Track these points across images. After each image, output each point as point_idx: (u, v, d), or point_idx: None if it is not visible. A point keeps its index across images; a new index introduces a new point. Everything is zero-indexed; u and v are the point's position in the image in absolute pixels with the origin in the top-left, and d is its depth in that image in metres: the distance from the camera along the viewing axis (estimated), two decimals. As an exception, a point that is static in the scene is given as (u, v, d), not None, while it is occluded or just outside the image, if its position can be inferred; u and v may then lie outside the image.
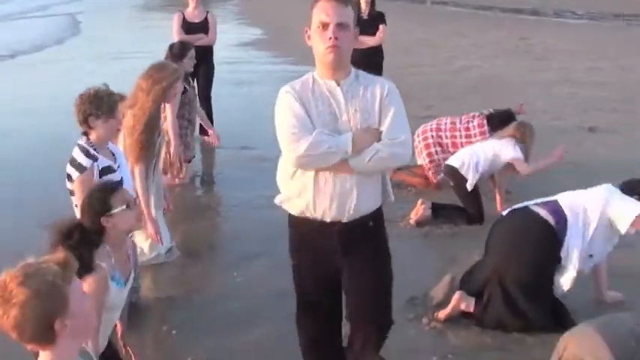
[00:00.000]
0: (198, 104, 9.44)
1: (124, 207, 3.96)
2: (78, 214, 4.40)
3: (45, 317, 2.44)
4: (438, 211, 7.82)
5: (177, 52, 8.70)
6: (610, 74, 17.74)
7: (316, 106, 3.82)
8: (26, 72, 18.94)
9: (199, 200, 8.95)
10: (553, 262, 5.43)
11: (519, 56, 20.93)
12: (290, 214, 4.05)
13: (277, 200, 4.03)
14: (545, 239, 5.41)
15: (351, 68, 3.92)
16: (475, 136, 8.40)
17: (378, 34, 10.54)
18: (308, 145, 3.68)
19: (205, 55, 10.58)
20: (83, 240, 3.72)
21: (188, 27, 10.64)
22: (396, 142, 3.79)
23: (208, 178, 9.76)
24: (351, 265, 3.99)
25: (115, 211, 3.92)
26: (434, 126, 8.87)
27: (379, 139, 3.80)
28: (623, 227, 5.44)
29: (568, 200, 5.54)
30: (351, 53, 3.89)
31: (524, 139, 7.70)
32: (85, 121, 5.12)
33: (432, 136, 8.73)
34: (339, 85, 3.85)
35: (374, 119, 3.83)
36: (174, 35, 10.45)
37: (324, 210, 3.85)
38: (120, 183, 4.75)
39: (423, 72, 17.53)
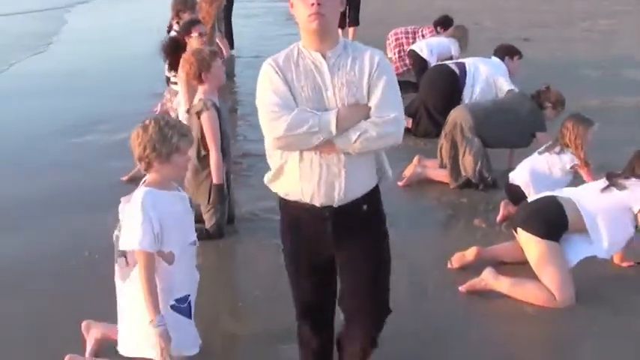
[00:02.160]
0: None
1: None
2: None
3: (199, 68, 5.86)
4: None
5: None
6: (558, 5, 21.03)
7: (299, 80, 3.38)
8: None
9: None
10: (456, 94, 8.59)
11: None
12: (279, 197, 3.60)
13: (265, 179, 3.59)
14: (452, 81, 8.79)
15: (340, 38, 3.50)
16: (426, 36, 11.39)
17: None
18: (287, 124, 3.28)
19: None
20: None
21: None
22: (385, 120, 3.33)
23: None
24: (346, 251, 3.56)
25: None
26: (401, 29, 11.78)
27: (368, 117, 3.36)
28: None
29: (470, 60, 8.96)
30: (337, 21, 3.51)
31: (461, 39, 10.82)
32: None
33: (400, 37, 11.47)
34: (324, 57, 3.40)
35: (362, 94, 3.38)
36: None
37: (312, 194, 3.42)
38: None
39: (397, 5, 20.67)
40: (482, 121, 7.06)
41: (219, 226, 5.92)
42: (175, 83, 7.42)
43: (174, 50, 7.03)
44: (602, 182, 5.19)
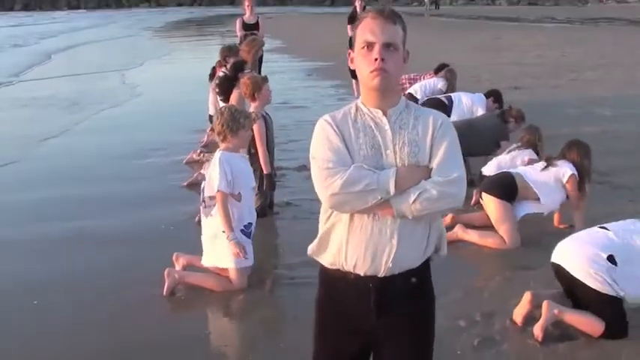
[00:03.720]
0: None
1: None
2: None
3: (253, 89, 7.84)
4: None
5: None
6: (550, 59, 23.46)
7: (357, 137, 3.19)
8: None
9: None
10: None
11: (486, 50, 26.77)
12: (321, 266, 3.34)
13: (309, 250, 3.35)
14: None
15: (401, 96, 3.33)
16: (424, 77, 13.17)
17: None
18: (343, 181, 3.08)
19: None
20: None
21: (246, 27, 15.90)
22: (447, 181, 3.11)
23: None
24: (389, 328, 3.23)
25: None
26: (405, 76, 13.59)
27: (428, 178, 3.13)
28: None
29: (455, 94, 10.92)
30: (399, 78, 3.42)
31: (450, 79, 12.70)
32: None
33: (404, 81, 13.21)
34: (385, 114, 3.21)
35: (424, 154, 3.17)
36: (237, 33, 15.79)
37: (357, 260, 3.15)
38: None
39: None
40: (461, 135, 9.02)
41: (263, 208, 7.85)
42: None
43: (229, 86, 9.12)
44: (542, 163, 7.23)
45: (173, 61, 27.87)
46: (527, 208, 7.19)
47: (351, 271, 3.17)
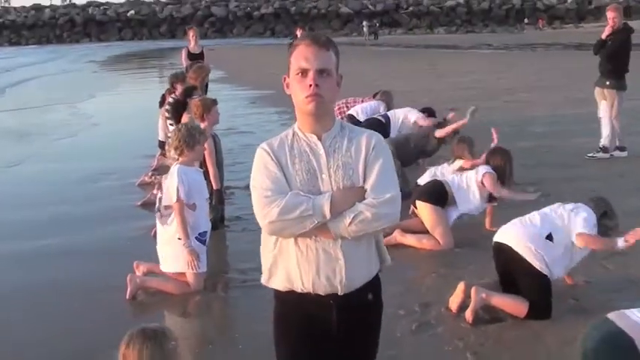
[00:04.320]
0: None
1: None
2: None
3: (203, 110, 8.27)
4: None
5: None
6: (486, 83, 24.41)
7: (293, 163, 3.27)
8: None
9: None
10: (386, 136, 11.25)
11: (422, 76, 27.70)
12: (276, 292, 3.40)
13: (263, 280, 3.42)
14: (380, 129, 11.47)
15: (335, 120, 3.39)
16: (363, 101, 13.82)
17: None
18: (280, 209, 3.15)
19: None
20: None
21: (191, 56, 16.37)
22: (381, 201, 3.19)
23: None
24: (347, 344, 3.39)
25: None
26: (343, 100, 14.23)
27: (363, 200, 3.22)
28: None
29: (391, 111, 11.63)
30: (334, 103, 3.43)
31: (387, 100, 13.31)
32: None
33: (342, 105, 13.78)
34: (320, 139, 3.29)
35: (358, 176, 3.26)
36: (183, 62, 16.23)
37: (314, 281, 3.24)
38: None
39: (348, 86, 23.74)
40: (399, 148, 9.64)
41: (215, 222, 8.29)
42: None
43: (180, 110, 9.58)
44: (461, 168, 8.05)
45: (121, 92, 28.50)
46: (453, 214, 7.81)
47: (310, 291, 3.27)
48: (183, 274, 6.53)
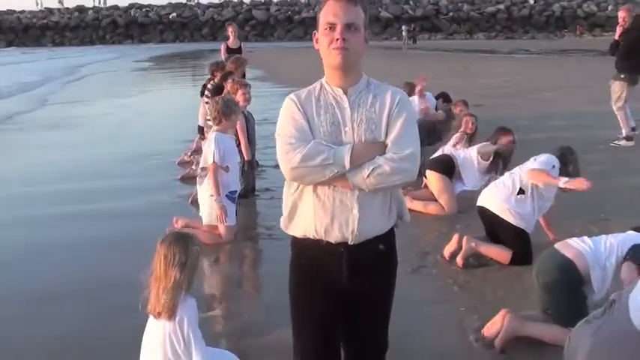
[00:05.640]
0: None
1: None
2: None
3: (236, 90, 9.31)
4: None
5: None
6: (516, 84, 25.24)
7: (319, 114, 3.36)
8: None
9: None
10: None
11: (455, 76, 28.52)
12: (293, 238, 3.53)
13: (282, 224, 3.54)
14: None
15: (363, 75, 3.43)
16: None
17: None
18: (302, 155, 3.25)
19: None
20: None
21: (230, 51, 17.34)
22: (400, 156, 3.25)
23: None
24: (359, 290, 3.46)
25: None
26: None
27: (383, 154, 3.28)
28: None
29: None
30: (361, 58, 3.40)
31: (408, 91, 14.25)
32: None
33: None
34: (346, 93, 3.36)
35: (380, 131, 3.33)
36: (222, 56, 17.19)
37: (326, 229, 3.35)
38: None
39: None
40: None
41: (246, 191, 9.25)
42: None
43: (218, 93, 10.54)
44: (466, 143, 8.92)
45: (166, 87, 30.43)
46: (457, 187, 8.70)
47: (322, 238, 3.37)
48: (216, 226, 7.51)
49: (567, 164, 6.75)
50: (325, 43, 3.32)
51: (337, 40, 3.27)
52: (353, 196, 3.32)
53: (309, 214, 3.40)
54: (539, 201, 6.74)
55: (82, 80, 35.03)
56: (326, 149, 3.28)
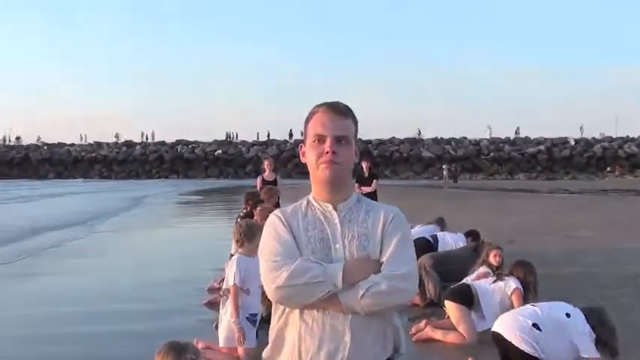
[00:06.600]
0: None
1: None
2: None
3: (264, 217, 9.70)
4: None
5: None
6: (551, 221, 25.32)
7: (306, 230, 3.12)
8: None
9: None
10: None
11: (491, 213, 28.75)
12: None
13: (264, 354, 3.26)
14: (426, 247, 12.42)
15: (353, 191, 3.23)
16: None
17: (372, 185, 18.04)
18: (289, 273, 2.98)
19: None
20: None
21: (265, 183, 17.83)
22: (397, 274, 3.00)
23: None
24: None
25: None
26: None
27: (378, 272, 3.03)
28: None
29: (441, 233, 12.73)
30: (351, 172, 3.20)
31: (441, 224, 14.40)
32: None
33: None
34: (335, 208, 3.15)
35: (374, 248, 3.09)
36: (257, 187, 17.65)
37: (312, 357, 3.05)
38: None
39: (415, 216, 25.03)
40: (437, 262, 10.73)
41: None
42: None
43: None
44: (492, 277, 8.86)
45: (204, 219, 31.13)
46: (480, 325, 8.61)
47: None
48: (236, 349, 7.64)
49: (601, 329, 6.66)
50: (313, 157, 3.16)
51: (327, 153, 3.11)
52: (345, 321, 3.05)
53: (294, 342, 3.12)
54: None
55: (134, 210, 36.15)
56: (315, 266, 3.04)
